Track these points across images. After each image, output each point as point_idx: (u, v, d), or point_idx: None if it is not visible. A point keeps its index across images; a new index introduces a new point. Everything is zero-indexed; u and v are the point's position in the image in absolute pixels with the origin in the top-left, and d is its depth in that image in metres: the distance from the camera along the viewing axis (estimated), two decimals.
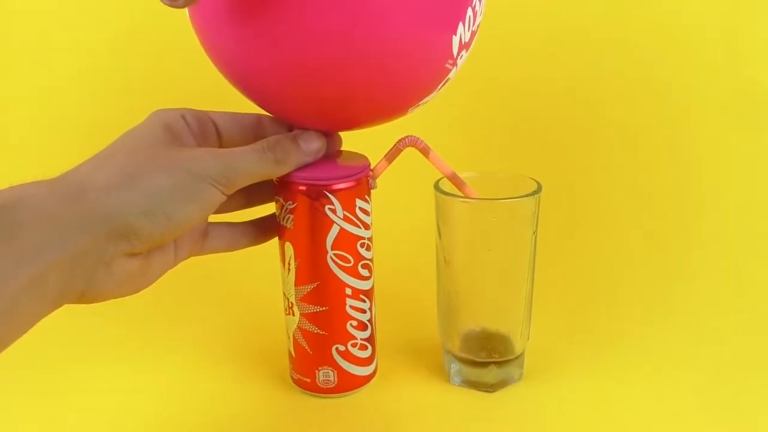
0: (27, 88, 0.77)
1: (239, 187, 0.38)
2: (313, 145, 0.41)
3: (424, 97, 0.41)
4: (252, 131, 0.43)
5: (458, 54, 0.39)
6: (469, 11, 0.38)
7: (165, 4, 0.33)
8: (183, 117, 0.40)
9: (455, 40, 0.38)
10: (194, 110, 0.41)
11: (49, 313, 0.33)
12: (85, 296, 0.34)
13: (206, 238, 0.43)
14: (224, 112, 0.43)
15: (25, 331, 0.32)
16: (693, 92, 0.71)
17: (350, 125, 0.43)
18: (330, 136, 0.44)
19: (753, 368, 0.49)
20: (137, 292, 0.38)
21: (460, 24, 0.37)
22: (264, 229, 0.46)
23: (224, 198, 0.38)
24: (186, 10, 0.40)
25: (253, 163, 0.38)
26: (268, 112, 0.43)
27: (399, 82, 0.39)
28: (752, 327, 0.55)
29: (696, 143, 0.71)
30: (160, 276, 0.39)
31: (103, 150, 0.37)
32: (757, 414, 0.44)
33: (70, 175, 0.34)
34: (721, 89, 0.70)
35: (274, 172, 0.40)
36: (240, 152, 0.38)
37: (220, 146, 0.42)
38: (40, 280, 0.31)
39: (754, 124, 0.70)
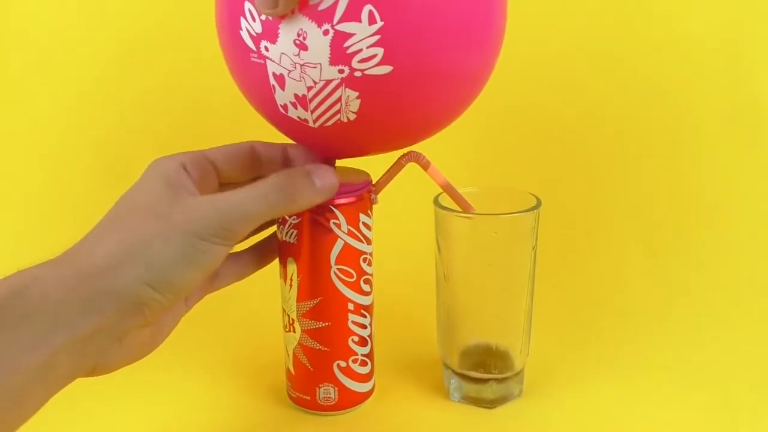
0: (30, 95, 0.76)
1: (244, 236, 0.37)
2: (327, 181, 0.39)
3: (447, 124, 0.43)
4: (248, 160, 0.42)
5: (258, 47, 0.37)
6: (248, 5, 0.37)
7: (264, 13, 0.34)
8: (183, 166, 0.38)
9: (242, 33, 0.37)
10: (192, 154, 0.39)
11: (60, 390, 0.33)
12: (96, 370, 0.34)
13: (215, 280, 0.42)
14: (219, 148, 0.41)
15: (35, 411, 0.32)
16: (693, 105, 0.72)
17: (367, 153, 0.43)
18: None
19: (754, 380, 0.50)
20: (150, 353, 0.37)
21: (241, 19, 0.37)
22: (265, 253, 0.45)
23: (229, 250, 0.36)
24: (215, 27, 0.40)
25: (258, 209, 0.36)
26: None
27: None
28: (752, 339, 0.56)
29: (696, 156, 0.72)
30: (171, 331, 0.39)
31: (105, 218, 0.36)
32: (758, 426, 0.45)
33: (74, 254, 0.34)
34: (721, 102, 0.71)
35: (282, 213, 0.38)
36: (244, 198, 0.36)
37: (220, 181, 0.41)
38: (50, 364, 0.31)
39: (754, 136, 0.71)
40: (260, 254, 0.45)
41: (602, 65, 0.73)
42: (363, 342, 0.45)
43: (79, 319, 0.32)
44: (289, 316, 0.45)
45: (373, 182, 0.44)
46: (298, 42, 0.35)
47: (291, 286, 0.44)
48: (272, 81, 0.38)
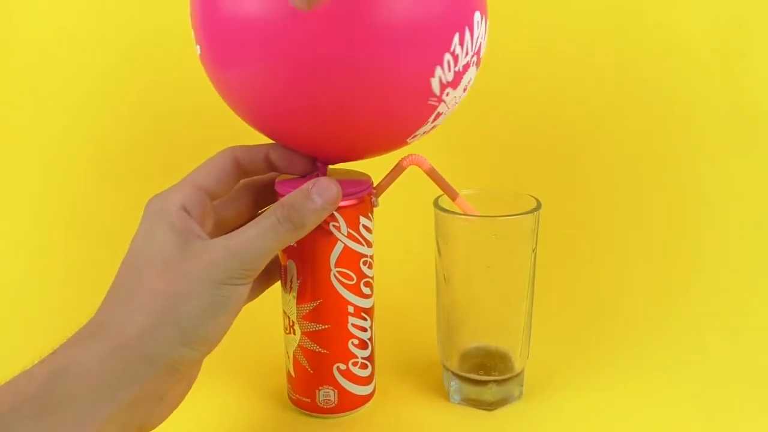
0: (30, 95, 0.75)
1: (262, 269, 0.37)
2: (329, 194, 0.38)
3: (415, 131, 0.41)
4: (234, 173, 0.42)
5: (442, 92, 0.39)
6: (448, 57, 0.38)
7: (296, 6, 0.32)
8: (183, 209, 0.38)
9: (434, 81, 0.38)
10: (186, 191, 0.39)
11: None
12: (143, 429, 0.35)
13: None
14: (205, 170, 0.41)
15: None
16: (692, 110, 0.72)
17: (348, 158, 0.44)
18: None
19: (754, 383, 0.50)
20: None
21: (438, 68, 0.38)
22: (270, 274, 0.45)
23: (250, 286, 0.37)
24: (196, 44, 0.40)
25: (270, 243, 0.36)
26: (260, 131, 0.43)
27: (384, 120, 0.39)
28: (752, 341, 0.56)
29: (696, 159, 0.72)
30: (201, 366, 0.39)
31: (120, 277, 0.36)
32: (759, 427, 0.45)
33: (104, 327, 0.34)
34: (721, 103, 0.71)
35: (295, 239, 0.38)
36: (255, 236, 0.36)
37: (211, 199, 0.41)
38: None
39: (753, 141, 0.71)
40: (266, 275, 0.45)
41: (602, 67, 0.72)
42: (363, 345, 0.45)
43: (119, 391, 0.33)
44: (289, 318, 0.45)
45: (374, 185, 0.44)
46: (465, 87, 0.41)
47: (291, 288, 0.44)
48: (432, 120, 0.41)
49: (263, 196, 0.44)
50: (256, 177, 0.44)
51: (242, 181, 0.44)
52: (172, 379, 0.35)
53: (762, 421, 0.45)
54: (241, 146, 0.42)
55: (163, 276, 0.35)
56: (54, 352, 0.33)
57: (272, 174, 0.44)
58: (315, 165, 0.43)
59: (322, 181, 0.38)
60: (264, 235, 0.36)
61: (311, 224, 0.38)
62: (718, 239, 0.69)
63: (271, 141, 0.43)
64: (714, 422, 0.45)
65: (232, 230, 0.42)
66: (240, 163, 0.42)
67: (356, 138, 0.41)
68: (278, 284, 0.45)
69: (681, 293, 0.64)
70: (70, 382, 0.32)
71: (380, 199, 0.44)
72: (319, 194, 0.38)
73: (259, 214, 0.43)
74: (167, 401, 0.36)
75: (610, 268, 0.68)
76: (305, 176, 0.44)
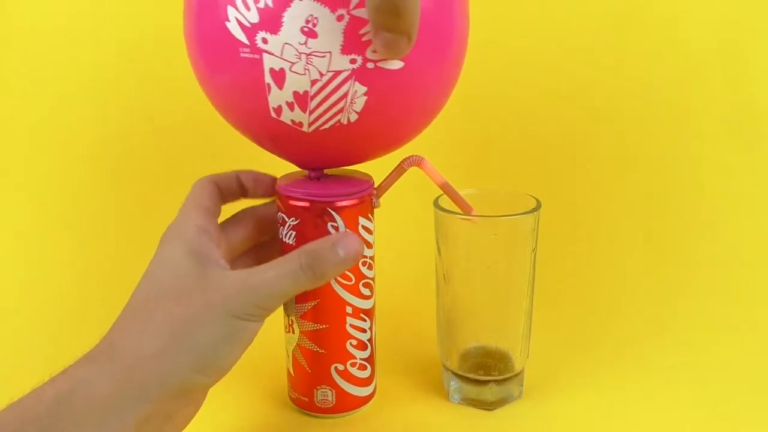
0: (30, 95, 0.75)
1: (277, 309, 0.38)
2: (352, 249, 0.38)
3: (263, 103, 0.37)
4: (220, 199, 0.43)
5: (253, 39, 0.34)
6: None
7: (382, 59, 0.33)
8: (202, 230, 0.38)
9: (230, 25, 0.34)
10: (201, 212, 0.40)
11: None
12: None
13: None
14: (203, 195, 0.42)
15: None
16: (692, 110, 0.72)
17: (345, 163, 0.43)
18: None
19: (755, 383, 0.50)
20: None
21: (229, 7, 0.34)
22: None
23: (263, 323, 0.37)
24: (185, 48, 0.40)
25: (288, 287, 0.37)
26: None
27: (228, 94, 0.38)
28: (753, 341, 0.56)
29: (696, 159, 0.72)
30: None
31: (136, 298, 0.37)
32: (759, 428, 0.45)
33: (117, 348, 0.35)
34: (720, 105, 0.71)
35: (312, 287, 0.38)
36: (274, 277, 0.37)
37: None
38: None
39: (753, 140, 0.71)
40: None
41: (602, 67, 0.72)
42: (362, 346, 0.45)
43: (129, 411, 0.33)
44: (288, 317, 0.45)
45: (375, 186, 0.44)
46: (306, 29, 0.33)
47: None
48: (268, 78, 0.35)
49: (264, 220, 0.45)
50: (258, 205, 0.46)
51: (243, 209, 0.45)
52: (181, 402, 0.35)
53: (762, 421, 0.45)
54: (215, 174, 0.43)
55: (181, 302, 0.35)
56: (64, 372, 0.34)
57: (270, 201, 0.45)
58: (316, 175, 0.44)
59: (348, 235, 0.39)
60: (283, 279, 0.37)
61: (330, 276, 0.38)
62: (718, 239, 0.69)
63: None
64: (714, 422, 0.45)
65: (239, 255, 0.44)
66: (219, 187, 0.43)
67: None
68: None
69: (681, 293, 0.64)
70: (77, 404, 0.32)
71: (380, 199, 0.44)
72: (343, 247, 0.38)
73: (263, 242, 0.46)
74: (176, 422, 0.36)
75: (610, 268, 0.68)
76: (307, 177, 0.44)
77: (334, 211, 0.41)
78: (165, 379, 0.34)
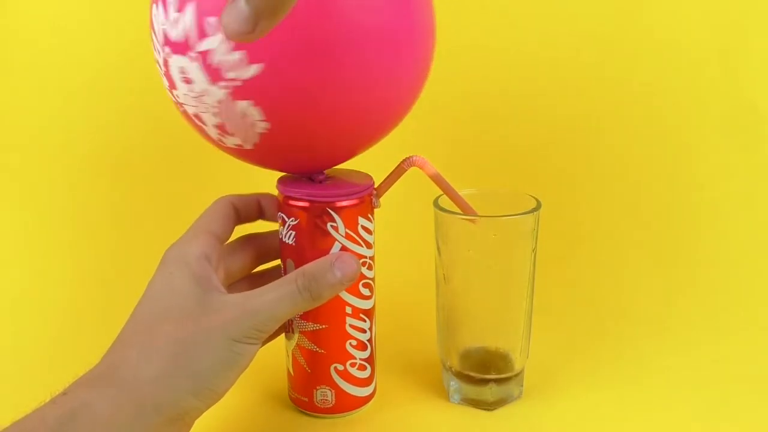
0: (30, 95, 0.75)
1: (274, 331, 0.38)
2: (349, 270, 0.39)
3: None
4: (233, 220, 0.44)
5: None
6: None
7: (239, 38, 0.31)
8: (204, 257, 0.39)
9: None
10: (205, 238, 0.40)
11: None
12: None
13: None
14: (215, 218, 0.43)
15: None
16: (691, 110, 0.72)
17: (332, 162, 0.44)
18: None
19: (754, 383, 0.50)
20: None
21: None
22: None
23: (260, 346, 0.38)
24: None
25: (286, 310, 0.38)
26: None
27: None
28: (752, 341, 0.56)
29: (695, 160, 0.72)
30: None
31: (138, 318, 0.37)
32: (759, 428, 0.45)
33: (118, 370, 0.35)
34: (718, 107, 0.71)
35: (309, 308, 0.39)
36: (272, 300, 0.37)
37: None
38: None
39: (752, 142, 0.71)
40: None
41: (602, 67, 0.72)
42: (362, 346, 0.45)
43: None
44: None
45: (375, 186, 0.44)
46: (184, 78, 0.37)
47: None
48: (196, 121, 0.39)
49: (265, 249, 0.46)
50: (259, 233, 0.46)
51: (245, 236, 0.46)
52: (175, 427, 0.35)
53: (762, 421, 0.45)
54: (236, 195, 0.45)
55: (181, 325, 0.36)
56: (65, 393, 0.34)
57: (273, 231, 0.46)
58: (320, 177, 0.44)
59: (345, 256, 0.39)
60: (281, 301, 0.37)
61: (327, 297, 0.39)
62: (718, 239, 0.69)
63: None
64: (714, 422, 0.45)
65: (237, 280, 0.44)
66: (237, 208, 0.44)
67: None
68: None
69: (681, 293, 0.64)
70: (81, 425, 0.32)
71: (380, 199, 0.44)
72: (340, 269, 0.38)
73: (260, 269, 0.47)
74: None
75: (610, 268, 0.68)
76: (308, 178, 0.44)
77: (333, 211, 0.41)
78: (164, 404, 0.34)
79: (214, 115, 0.38)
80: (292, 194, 0.42)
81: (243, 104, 0.36)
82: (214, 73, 0.36)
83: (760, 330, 0.58)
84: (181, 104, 0.39)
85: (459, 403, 0.47)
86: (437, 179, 0.44)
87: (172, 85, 0.38)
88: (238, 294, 0.38)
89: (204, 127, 0.39)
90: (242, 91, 0.36)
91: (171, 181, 0.73)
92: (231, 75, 0.35)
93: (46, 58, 0.74)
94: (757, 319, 0.59)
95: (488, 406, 0.47)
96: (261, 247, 0.46)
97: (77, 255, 0.71)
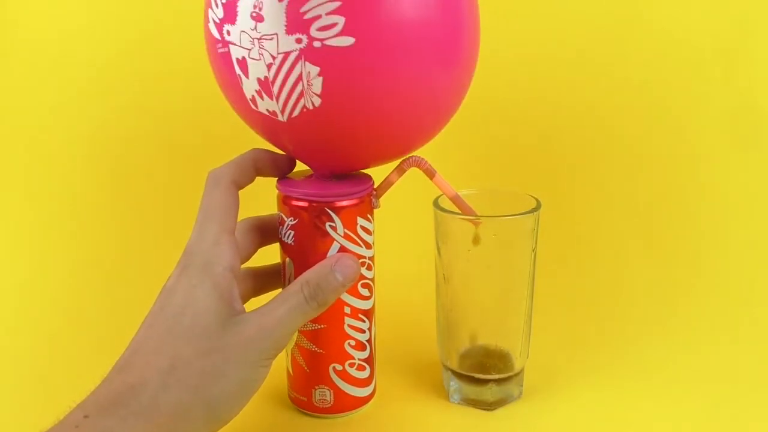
0: (30, 95, 0.75)
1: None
2: (349, 272, 0.39)
3: (241, 93, 0.39)
4: (238, 205, 0.42)
5: (222, 33, 0.36)
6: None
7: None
8: (232, 270, 0.38)
9: (210, 25, 0.37)
10: (232, 255, 0.38)
11: None
12: None
13: None
14: (227, 212, 0.40)
15: None
16: (692, 110, 0.72)
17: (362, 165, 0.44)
18: None
19: (754, 382, 0.50)
20: None
21: (208, 10, 0.37)
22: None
23: (270, 368, 0.38)
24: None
25: (298, 322, 0.38)
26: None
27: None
28: (752, 341, 0.56)
29: (695, 160, 0.72)
30: None
31: (156, 335, 0.36)
32: (759, 428, 0.45)
33: (137, 397, 0.34)
34: (719, 107, 0.71)
35: (316, 315, 0.39)
36: (285, 315, 0.37)
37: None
38: None
39: (753, 141, 0.71)
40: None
41: (602, 67, 0.72)
42: (361, 346, 0.45)
43: None
44: None
45: (375, 186, 0.44)
46: (254, 14, 0.34)
47: None
48: (237, 69, 0.36)
49: (267, 235, 0.46)
50: (259, 217, 0.46)
51: (247, 223, 0.45)
52: None
53: (762, 420, 0.45)
54: (233, 168, 0.41)
55: (202, 348, 0.35)
56: (87, 417, 0.33)
57: (274, 214, 0.45)
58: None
59: (344, 258, 0.40)
60: (293, 314, 0.38)
61: (332, 301, 0.39)
62: (718, 239, 0.69)
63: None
64: (714, 422, 0.45)
65: (240, 273, 0.43)
66: (239, 185, 0.42)
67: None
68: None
69: (681, 292, 0.64)
70: None
71: (380, 199, 0.44)
72: (341, 272, 0.39)
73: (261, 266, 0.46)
74: None
75: (610, 268, 0.68)
76: (308, 177, 0.44)
77: (332, 211, 0.41)
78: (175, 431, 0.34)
79: (268, 66, 0.35)
80: (291, 194, 0.42)
81: (309, 68, 0.34)
82: (296, 21, 0.33)
83: (761, 330, 0.58)
84: (227, 42, 0.36)
85: (459, 403, 0.47)
86: (437, 180, 0.44)
87: (230, 18, 0.35)
88: (252, 312, 0.38)
89: (242, 78, 0.36)
90: (318, 54, 0.34)
91: (171, 181, 0.73)
92: (318, 34, 0.33)
93: (46, 57, 0.74)
94: (757, 319, 0.59)
95: (488, 406, 0.47)
96: (263, 231, 0.45)
97: (77, 255, 0.71)
